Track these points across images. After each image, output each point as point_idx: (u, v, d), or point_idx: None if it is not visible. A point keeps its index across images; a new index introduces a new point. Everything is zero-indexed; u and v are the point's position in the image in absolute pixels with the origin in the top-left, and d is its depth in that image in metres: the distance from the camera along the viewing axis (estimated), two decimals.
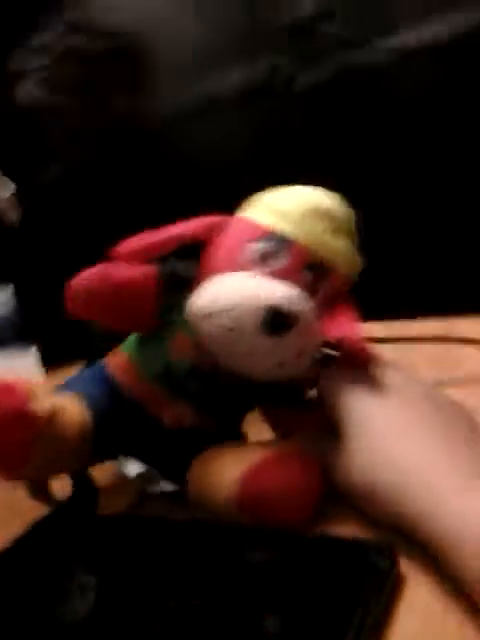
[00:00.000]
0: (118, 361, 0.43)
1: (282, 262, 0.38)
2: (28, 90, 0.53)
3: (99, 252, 0.42)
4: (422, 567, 0.33)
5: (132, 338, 0.43)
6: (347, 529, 0.38)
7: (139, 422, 0.42)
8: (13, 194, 0.71)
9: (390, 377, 0.39)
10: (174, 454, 0.43)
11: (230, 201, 0.43)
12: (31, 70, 0.52)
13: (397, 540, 0.34)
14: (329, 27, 0.60)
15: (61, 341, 0.46)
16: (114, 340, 0.47)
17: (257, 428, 0.45)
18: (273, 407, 0.44)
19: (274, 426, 0.45)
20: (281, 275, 0.38)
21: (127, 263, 0.40)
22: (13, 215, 0.71)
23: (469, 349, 0.48)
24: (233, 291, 0.36)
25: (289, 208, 0.39)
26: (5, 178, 0.70)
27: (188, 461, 0.42)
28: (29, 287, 0.71)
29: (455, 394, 0.41)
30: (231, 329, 0.36)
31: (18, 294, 0.70)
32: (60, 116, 0.55)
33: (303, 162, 0.65)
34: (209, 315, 0.36)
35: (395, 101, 0.59)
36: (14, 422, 0.37)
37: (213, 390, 0.41)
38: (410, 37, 0.56)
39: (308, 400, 0.43)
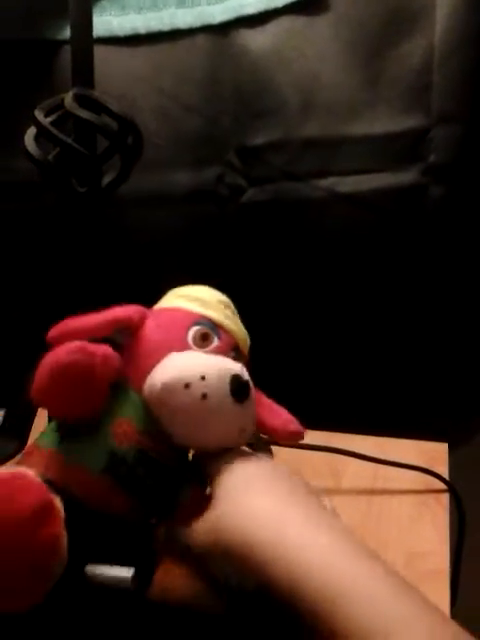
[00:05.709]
0: (43, 459, 0.39)
1: (216, 343, 0.42)
2: (28, 143, 0.49)
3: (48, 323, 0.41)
4: None
5: (51, 435, 0.40)
6: None
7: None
8: None
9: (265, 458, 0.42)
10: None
11: (160, 287, 0.46)
12: (36, 124, 0.49)
13: None
14: (274, 158, 0.69)
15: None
16: None
17: None
18: None
19: None
20: (218, 353, 0.42)
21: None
22: None
23: (348, 461, 0.55)
24: (199, 364, 0.39)
25: (207, 298, 0.44)
26: None
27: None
28: None
29: (335, 501, 0.44)
30: (205, 396, 0.38)
31: None
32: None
33: (233, 266, 0.73)
34: (187, 385, 0.38)
35: (320, 234, 0.70)
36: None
37: (158, 474, 0.40)
38: (341, 184, 0.68)
39: None
